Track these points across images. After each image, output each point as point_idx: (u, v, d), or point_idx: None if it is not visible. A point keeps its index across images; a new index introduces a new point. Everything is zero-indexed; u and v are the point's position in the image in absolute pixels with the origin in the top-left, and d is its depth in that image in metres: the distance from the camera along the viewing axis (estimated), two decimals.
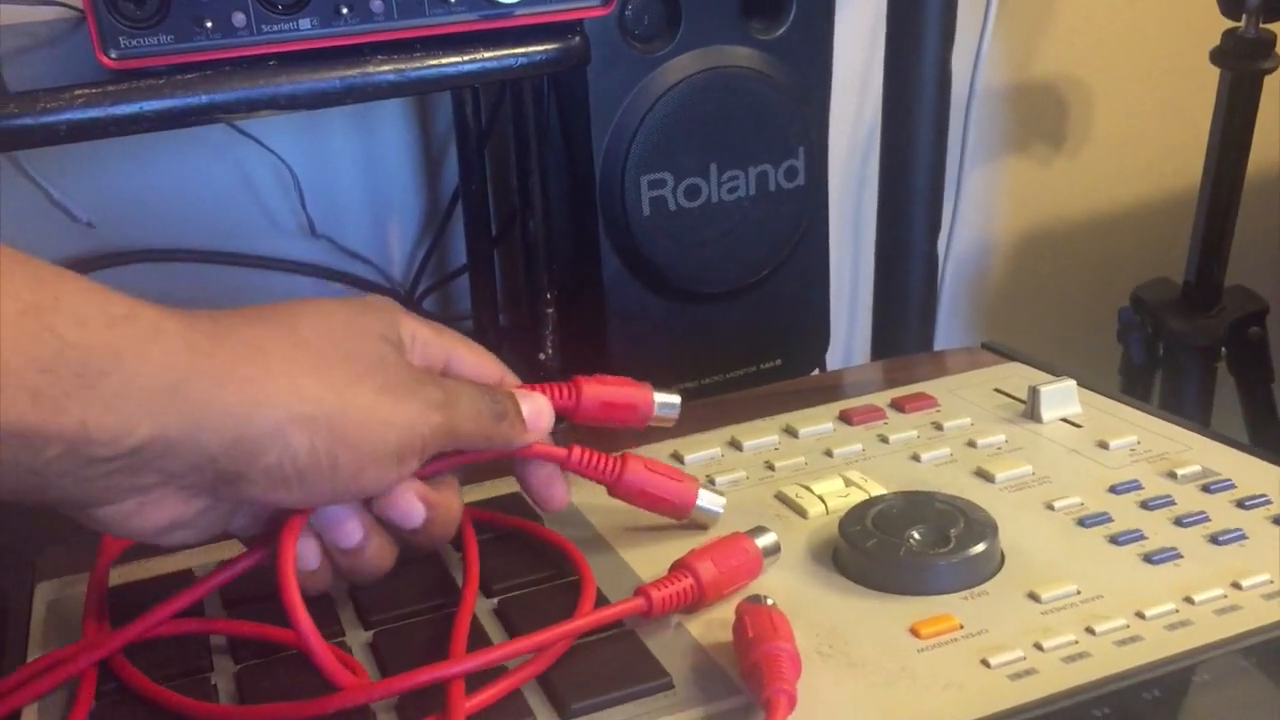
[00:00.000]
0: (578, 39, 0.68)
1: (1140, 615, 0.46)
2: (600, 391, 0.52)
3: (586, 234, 0.81)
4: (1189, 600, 0.46)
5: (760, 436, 0.62)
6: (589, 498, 0.55)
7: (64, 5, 0.83)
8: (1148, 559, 0.49)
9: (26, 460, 0.36)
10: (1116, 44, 1.30)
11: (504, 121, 0.90)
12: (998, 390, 0.67)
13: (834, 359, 1.07)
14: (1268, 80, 1.08)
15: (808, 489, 0.56)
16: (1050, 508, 0.54)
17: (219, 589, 0.48)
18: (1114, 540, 0.51)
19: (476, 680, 0.43)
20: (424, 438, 0.44)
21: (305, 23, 0.61)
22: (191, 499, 0.41)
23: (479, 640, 0.47)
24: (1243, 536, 0.50)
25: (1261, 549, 0.50)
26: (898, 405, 0.65)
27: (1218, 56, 1.07)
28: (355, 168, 1.01)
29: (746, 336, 0.87)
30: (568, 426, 0.54)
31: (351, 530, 0.45)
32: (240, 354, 0.40)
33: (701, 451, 0.61)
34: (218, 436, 0.39)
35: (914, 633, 0.45)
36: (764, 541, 0.49)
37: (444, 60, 0.64)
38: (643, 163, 0.79)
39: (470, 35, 0.65)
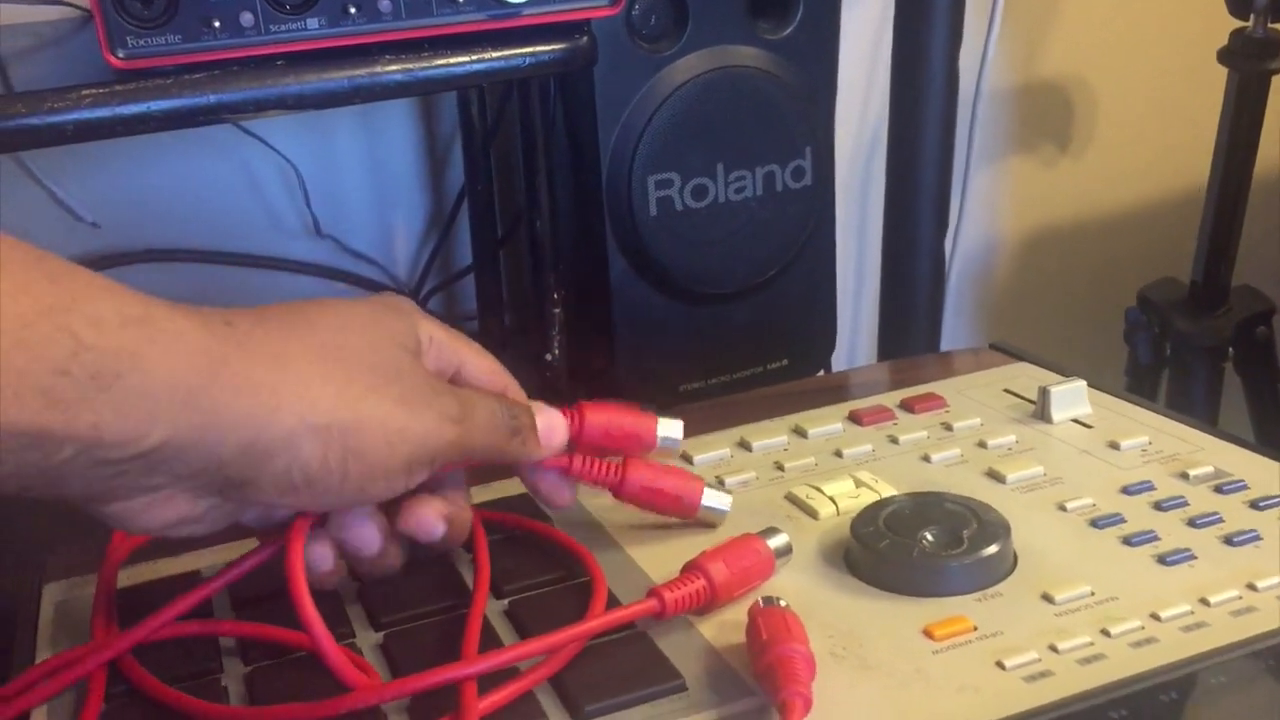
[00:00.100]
0: (585, 39, 0.67)
1: (1155, 617, 0.45)
2: (603, 419, 0.52)
3: (593, 234, 0.81)
4: (1204, 602, 0.46)
5: (769, 437, 0.62)
6: (598, 499, 0.55)
7: (69, 5, 0.82)
8: (1161, 560, 0.49)
9: (38, 460, 0.36)
10: (1122, 44, 1.30)
11: (510, 121, 0.90)
12: (1007, 390, 0.66)
13: (838, 359, 1.06)
14: (1275, 80, 1.08)
15: (818, 490, 0.56)
16: (1062, 509, 0.53)
17: (227, 588, 0.48)
18: (1127, 541, 0.51)
19: (489, 681, 0.42)
20: (437, 451, 0.44)
21: (313, 22, 0.61)
22: (199, 499, 0.41)
23: (490, 641, 0.47)
24: (1257, 537, 0.50)
25: (1276, 550, 0.49)
26: (907, 406, 0.65)
27: (1225, 56, 1.07)
28: (360, 168, 1.01)
29: (753, 337, 0.86)
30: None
31: (370, 538, 0.45)
32: (256, 359, 0.40)
33: (710, 452, 0.61)
34: (230, 443, 0.39)
35: (928, 634, 0.45)
36: (776, 542, 0.49)
37: (452, 60, 0.64)
38: (650, 163, 0.78)
39: (478, 35, 0.64)
